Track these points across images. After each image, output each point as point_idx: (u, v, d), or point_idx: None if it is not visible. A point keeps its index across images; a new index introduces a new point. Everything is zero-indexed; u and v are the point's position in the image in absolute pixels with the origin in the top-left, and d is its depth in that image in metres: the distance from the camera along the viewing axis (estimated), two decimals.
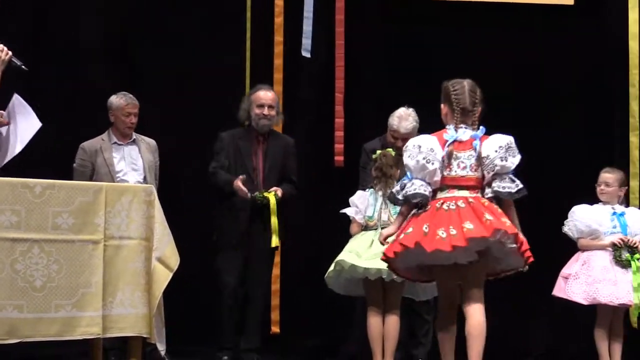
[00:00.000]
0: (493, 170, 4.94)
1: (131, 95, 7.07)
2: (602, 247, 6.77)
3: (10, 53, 4.62)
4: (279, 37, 8.06)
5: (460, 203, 4.86)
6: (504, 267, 5.05)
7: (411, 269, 5.02)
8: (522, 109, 8.07)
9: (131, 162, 7.02)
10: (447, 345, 5.05)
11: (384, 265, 5.15)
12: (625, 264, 6.68)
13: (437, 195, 4.94)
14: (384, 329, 5.87)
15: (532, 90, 8.14)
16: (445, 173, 4.94)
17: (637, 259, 6.68)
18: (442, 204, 4.89)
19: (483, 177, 4.99)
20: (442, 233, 4.74)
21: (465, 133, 5.00)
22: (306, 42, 8.05)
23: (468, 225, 4.75)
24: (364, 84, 8.09)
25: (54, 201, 3.84)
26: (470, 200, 4.87)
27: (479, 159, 4.91)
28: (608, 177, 6.96)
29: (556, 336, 7.59)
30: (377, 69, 8.20)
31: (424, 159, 4.91)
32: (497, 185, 4.92)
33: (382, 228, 5.74)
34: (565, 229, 6.88)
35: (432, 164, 4.92)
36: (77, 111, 7.70)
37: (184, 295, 7.16)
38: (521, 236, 4.89)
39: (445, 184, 4.93)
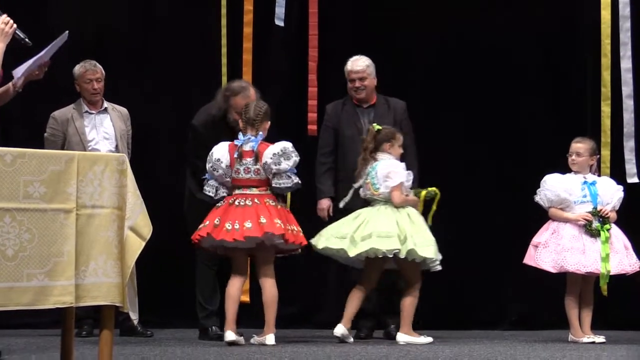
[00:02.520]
0: (272, 173, 6.15)
1: (93, 62, 7.05)
2: (570, 220, 6.81)
3: (15, 26, 4.65)
4: (248, 6, 8.03)
5: (248, 201, 6.15)
6: (284, 249, 6.29)
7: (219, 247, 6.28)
8: (494, 80, 8.11)
9: (103, 131, 7.02)
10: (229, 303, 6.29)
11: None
12: (594, 234, 6.74)
13: (233, 192, 6.22)
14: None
15: (504, 61, 8.16)
16: (234, 175, 6.21)
17: (607, 229, 6.74)
18: (235, 200, 6.18)
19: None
20: (229, 226, 6.06)
21: (248, 143, 6.21)
22: (279, 10, 8.02)
23: (247, 224, 6.04)
24: (337, 52, 8.00)
25: (25, 170, 3.80)
26: (256, 200, 6.15)
27: (257, 164, 6.19)
28: (579, 146, 6.99)
29: (528, 304, 7.66)
30: (350, 37, 8.18)
31: (211, 167, 6.27)
32: (275, 182, 6.15)
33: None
34: (537, 198, 6.94)
35: (217, 171, 6.26)
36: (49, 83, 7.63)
37: (157, 264, 7.24)
38: (289, 232, 6.12)
39: (235, 184, 6.21)
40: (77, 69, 7.06)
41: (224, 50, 7.87)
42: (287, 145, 6.20)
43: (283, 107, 7.81)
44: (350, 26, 8.22)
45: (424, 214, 6.65)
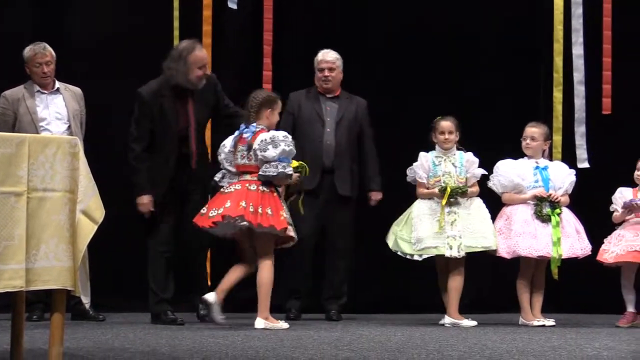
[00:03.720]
0: (259, 160, 6.19)
1: (43, 45, 6.92)
2: (524, 201, 6.86)
3: None
4: None
5: (237, 186, 6.25)
6: (279, 239, 6.34)
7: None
8: (448, 66, 8.16)
9: (55, 111, 6.92)
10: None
11: None
12: (545, 219, 6.80)
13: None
14: None
15: (457, 46, 8.20)
16: (235, 162, 6.35)
17: (558, 214, 6.78)
18: (228, 187, 6.34)
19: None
20: (212, 212, 6.20)
21: (246, 131, 6.30)
22: None
23: (227, 205, 6.15)
24: (293, 35, 8.09)
25: None
26: (241, 185, 6.22)
27: (250, 151, 6.24)
28: (534, 131, 7.02)
29: (479, 288, 7.69)
30: (306, 21, 8.18)
31: (218, 152, 6.50)
32: (261, 169, 6.18)
33: None
34: (490, 183, 6.98)
35: (220, 155, 6.47)
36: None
37: (109, 248, 7.12)
38: (252, 214, 6.11)
39: (237, 170, 6.33)
40: (27, 52, 6.93)
41: (176, 33, 7.84)
42: (278, 134, 6.24)
43: (240, 91, 7.51)
44: (305, 12, 8.22)
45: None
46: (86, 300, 6.80)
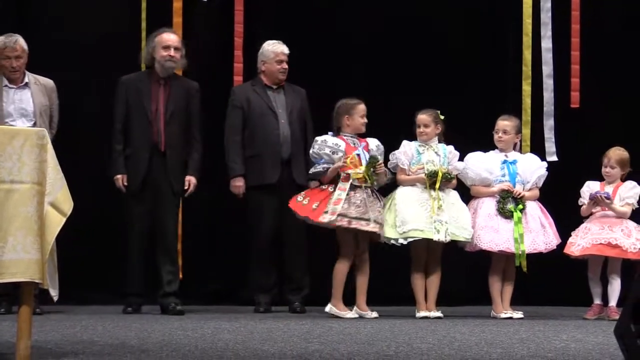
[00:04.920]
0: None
1: (14, 38, 6.73)
2: (491, 194, 6.89)
3: None
4: None
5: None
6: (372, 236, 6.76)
7: None
8: (417, 61, 8.15)
9: (20, 107, 6.76)
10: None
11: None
12: (507, 215, 6.83)
13: None
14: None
15: (425, 39, 8.21)
16: None
17: (520, 209, 6.80)
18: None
19: None
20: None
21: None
22: None
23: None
24: (264, 28, 8.02)
25: None
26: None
27: None
28: (506, 124, 7.03)
29: (450, 280, 7.51)
30: (277, 13, 8.15)
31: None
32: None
33: None
34: (459, 176, 6.99)
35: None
36: None
37: (79, 240, 7.15)
38: (299, 204, 6.71)
39: None
40: None
41: (143, 24, 7.76)
42: (320, 137, 6.77)
43: (210, 84, 7.76)
44: (276, 3, 8.20)
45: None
46: (54, 293, 6.69)
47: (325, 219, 6.60)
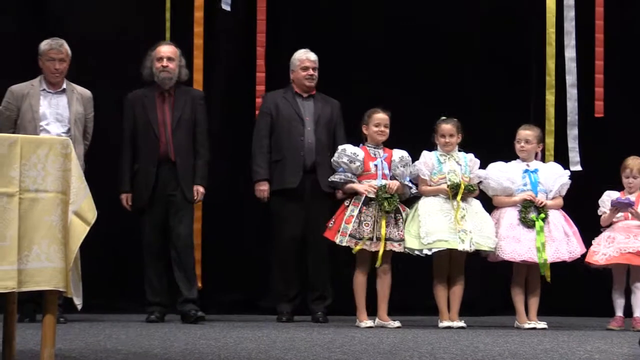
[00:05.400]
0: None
1: (60, 42, 6.83)
2: (513, 204, 6.84)
3: None
4: None
5: None
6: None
7: None
8: (440, 69, 8.13)
9: (56, 112, 6.79)
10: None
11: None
12: (529, 224, 6.78)
13: None
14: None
15: (448, 48, 8.18)
16: None
17: (543, 219, 6.74)
18: None
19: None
20: None
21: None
22: None
23: None
24: (285, 37, 8.04)
25: None
26: None
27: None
28: (528, 133, 6.99)
29: (474, 290, 7.52)
30: (299, 22, 8.15)
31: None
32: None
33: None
34: (481, 186, 6.96)
35: None
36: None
37: (102, 250, 7.19)
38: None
39: None
40: (43, 45, 6.84)
41: (167, 34, 7.80)
42: (342, 145, 6.87)
43: (231, 93, 7.78)
44: (298, 13, 8.19)
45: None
46: (78, 302, 6.70)
47: (337, 239, 6.68)
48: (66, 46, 6.82)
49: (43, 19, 7.80)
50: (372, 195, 6.65)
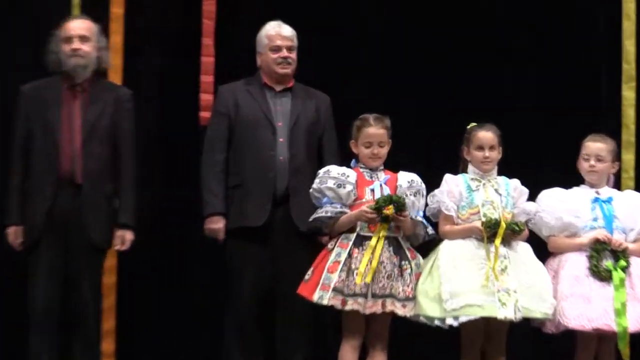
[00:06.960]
0: None
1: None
2: (578, 248, 5.91)
3: None
4: None
5: None
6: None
7: None
8: (470, 56, 6.92)
9: None
10: None
11: None
12: (604, 276, 5.86)
13: None
14: None
15: (486, 35, 6.97)
16: None
17: (623, 268, 5.82)
18: None
19: None
20: None
21: None
22: None
23: None
24: (247, 5, 6.82)
25: None
26: None
27: None
28: (600, 147, 6.05)
29: None
30: None
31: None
32: None
33: None
34: (531, 223, 5.98)
35: None
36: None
37: None
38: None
39: None
40: None
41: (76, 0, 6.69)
42: (325, 167, 5.86)
43: (165, 85, 6.69)
44: None
45: None
46: None
47: (316, 296, 5.65)
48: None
49: None
50: (372, 216, 5.62)
